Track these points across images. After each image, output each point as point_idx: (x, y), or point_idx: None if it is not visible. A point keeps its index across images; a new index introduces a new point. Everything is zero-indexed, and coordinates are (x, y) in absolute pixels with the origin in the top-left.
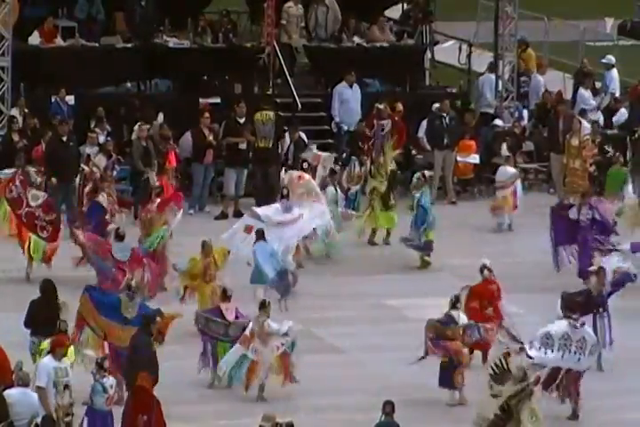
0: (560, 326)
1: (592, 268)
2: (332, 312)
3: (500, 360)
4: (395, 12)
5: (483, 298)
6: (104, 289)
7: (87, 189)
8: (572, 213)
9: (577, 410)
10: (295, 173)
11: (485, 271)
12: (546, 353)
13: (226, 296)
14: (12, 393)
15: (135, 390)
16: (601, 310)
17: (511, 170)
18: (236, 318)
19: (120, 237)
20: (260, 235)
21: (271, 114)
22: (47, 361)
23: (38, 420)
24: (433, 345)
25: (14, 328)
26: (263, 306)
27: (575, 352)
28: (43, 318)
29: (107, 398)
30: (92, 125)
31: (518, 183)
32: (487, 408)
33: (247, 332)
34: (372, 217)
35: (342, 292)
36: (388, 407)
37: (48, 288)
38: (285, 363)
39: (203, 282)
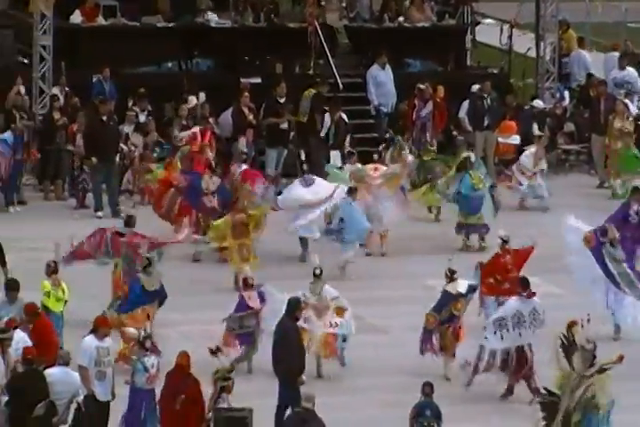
0: (510, 305)
1: None
2: (375, 292)
3: (567, 332)
4: None
5: (495, 272)
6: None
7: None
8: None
9: (513, 385)
10: (369, 166)
11: (500, 243)
12: (502, 337)
13: (247, 284)
14: (52, 372)
15: (173, 370)
16: None
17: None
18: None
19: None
20: (353, 191)
21: (313, 91)
22: (89, 340)
23: (79, 399)
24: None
25: None
26: (316, 275)
27: (529, 326)
28: None
29: (147, 376)
30: (131, 104)
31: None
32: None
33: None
34: (427, 195)
35: (385, 272)
36: (427, 389)
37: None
38: (331, 343)
39: (231, 239)
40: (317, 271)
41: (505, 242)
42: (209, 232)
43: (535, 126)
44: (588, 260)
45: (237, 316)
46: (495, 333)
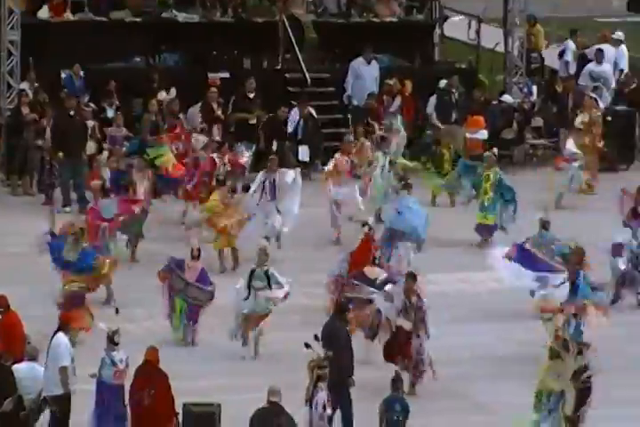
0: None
1: None
2: None
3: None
4: None
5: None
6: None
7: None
8: None
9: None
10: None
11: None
12: None
13: (193, 256)
14: (20, 368)
15: (142, 365)
16: None
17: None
18: (197, 281)
19: (105, 192)
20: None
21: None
22: (62, 338)
23: (46, 394)
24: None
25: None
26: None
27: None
28: None
29: (115, 371)
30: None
31: None
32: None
33: None
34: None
35: None
36: (397, 384)
37: None
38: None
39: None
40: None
41: (367, 227)
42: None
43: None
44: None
45: (171, 265)
46: None
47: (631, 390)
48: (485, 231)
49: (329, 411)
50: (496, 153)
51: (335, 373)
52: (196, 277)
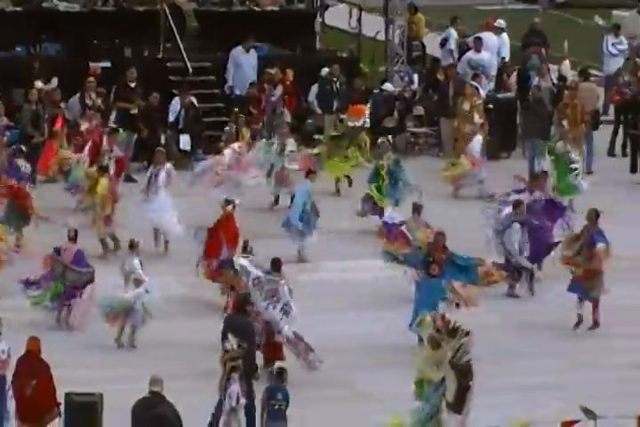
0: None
1: None
2: None
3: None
4: None
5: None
6: None
7: None
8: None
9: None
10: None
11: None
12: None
13: (69, 237)
14: None
15: (24, 355)
16: None
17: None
18: (72, 262)
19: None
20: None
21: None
22: None
23: None
24: None
25: None
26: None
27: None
28: None
29: None
30: None
31: None
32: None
33: None
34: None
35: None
36: (283, 374)
37: None
38: None
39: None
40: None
41: (229, 203)
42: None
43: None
44: None
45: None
46: None
47: (501, 378)
48: (377, 211)
49: (242, 401)
50: (390, 140)
51: (248, 365)
52: (71, 258)
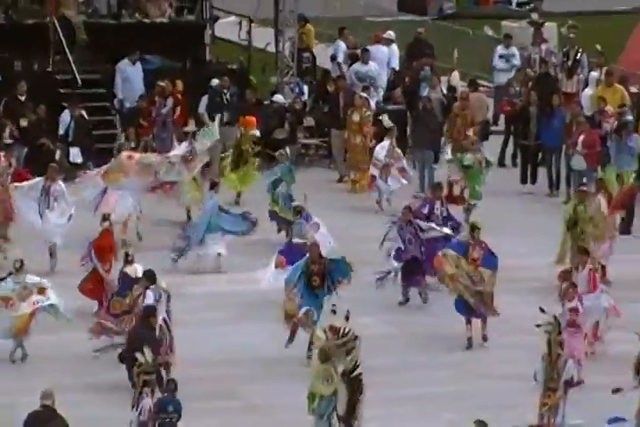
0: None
1: None
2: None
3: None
4: None
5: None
6: None
7: None
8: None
9: None
10: (124, 154)
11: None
12: None
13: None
14: None
15: None
16: None
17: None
18: None
19: None
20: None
21: None
22: None
23: None
24: None
25: None
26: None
27: None
28: None
29: None
30: None
31: None
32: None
33: None
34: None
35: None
36: (172, 385)
37: None
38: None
39: None
40: (17, 264)
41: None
42: None
43: (386, 117)
44: None
45: None
46: None
47: (393, 389)
48: (280, 221)
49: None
50: (288, 151)
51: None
52: None
